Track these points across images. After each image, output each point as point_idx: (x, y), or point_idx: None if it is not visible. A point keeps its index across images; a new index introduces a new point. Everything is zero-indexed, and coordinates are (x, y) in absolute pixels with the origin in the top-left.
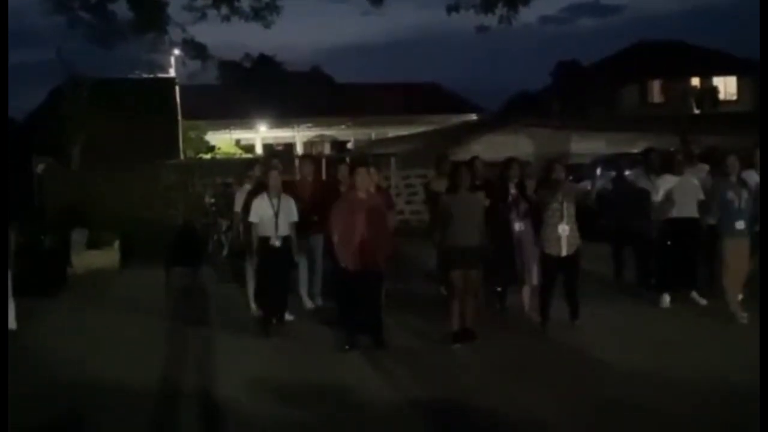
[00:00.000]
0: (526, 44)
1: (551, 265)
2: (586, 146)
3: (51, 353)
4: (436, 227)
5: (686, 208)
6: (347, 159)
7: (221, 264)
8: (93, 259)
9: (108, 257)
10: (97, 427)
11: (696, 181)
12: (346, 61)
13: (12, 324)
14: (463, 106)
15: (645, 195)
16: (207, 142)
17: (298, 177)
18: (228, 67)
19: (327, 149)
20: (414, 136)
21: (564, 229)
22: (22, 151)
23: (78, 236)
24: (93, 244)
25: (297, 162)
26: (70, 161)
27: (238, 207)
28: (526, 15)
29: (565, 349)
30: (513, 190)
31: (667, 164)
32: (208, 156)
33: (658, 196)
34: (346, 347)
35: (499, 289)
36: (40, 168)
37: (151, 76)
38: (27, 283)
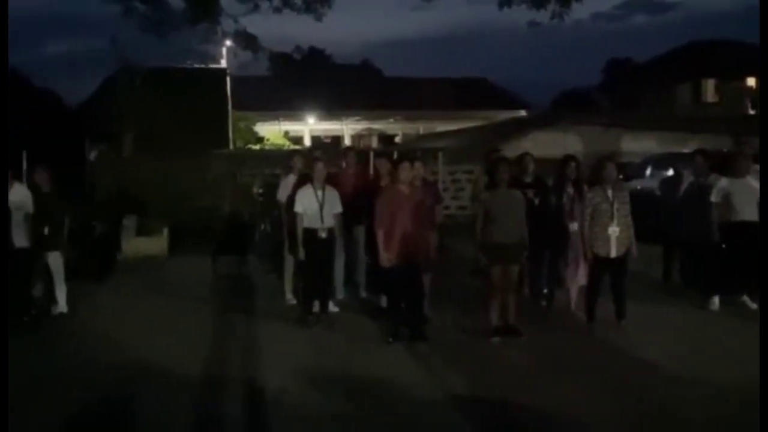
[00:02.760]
0: (577, 41)
1: (599, 265)
2: (636, 145)
3: (100, 336)
4: (476, 224)
5: (745, 212)
6: (393, 153)
7: (267, 254)
8: (142, 245)
9: (157, 244)
10: (143, 410)
11: (756, 184)
12: (395, 56)
13: (63, 308)
14: (512, 102)
15: (697, 196)
16: (256, 133)
17: (342, 169)
18: (279, 58)
19: (375, 143)
20: (462, 132)
21: (614, 230)
22: (76, 138)
23: (128, 223)
24: (143, 231)
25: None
26: (122, 149)
27: (282, 197)
28: (579, 11)
29: (609, 348)
30: (570, 189)
31: (721, 165)
32: (256, 147)
33: (715, 198)
34: (390, 339)
35: (546, 290)
36: (92, 155)
37: (203, 66)
38: (78, 268)
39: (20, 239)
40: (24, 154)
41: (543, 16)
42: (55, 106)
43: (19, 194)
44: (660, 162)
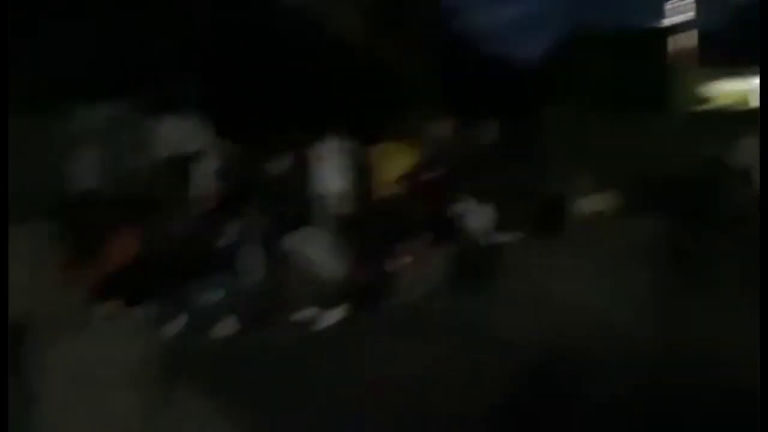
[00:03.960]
0: None
1: None
2: None
3: (551, 293)
4: None
5: None
6: None
7: None
8: (595, 204)
9: (609, 204)
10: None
11: None
12: None
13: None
14: None
15: None
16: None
17: None
18: None
19: None
20: None
21: None
22: (529, 97)
23: (580, 182)
24: (596, 190)
25: None
26: (578, 106)
27: None
28: None
29: None
30: None
31: None
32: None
33: None
34: None
35: None
36: (547, 117)
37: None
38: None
39: None
40: (488, 112)
41: None
42: (508, 68)
43: None
44: None
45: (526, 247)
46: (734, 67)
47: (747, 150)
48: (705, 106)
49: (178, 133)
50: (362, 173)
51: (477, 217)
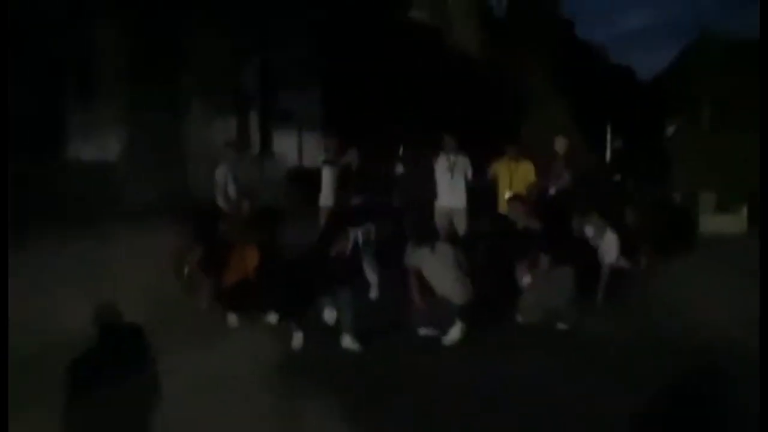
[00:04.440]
0: None
1: None
2: None
3: (670, 313)
4: None
5: None
6: None
7: None
8: (720, 222)
9: (735, 222)
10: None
11: None
12: None
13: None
14: None
15: None
16: None
17: None
18: None
19: None
20: None
21: None
22: (652, 111)
23: (705, 198)
24: (720, 208)
25: None
26: (700, 122)
27: None
28: None
29: None
30: None
31: None
32: None
33: None
34: None
35: None
36: (670, 129)
37: None
38: (656, 242)
39: None
40: (608, 127)
41: None
42: (629, 80)
43: None
44: None
45: (653, 265)
46: None
47: None
48: None
49: (300, 147)
50: (484, 189)
51: (602, 234)
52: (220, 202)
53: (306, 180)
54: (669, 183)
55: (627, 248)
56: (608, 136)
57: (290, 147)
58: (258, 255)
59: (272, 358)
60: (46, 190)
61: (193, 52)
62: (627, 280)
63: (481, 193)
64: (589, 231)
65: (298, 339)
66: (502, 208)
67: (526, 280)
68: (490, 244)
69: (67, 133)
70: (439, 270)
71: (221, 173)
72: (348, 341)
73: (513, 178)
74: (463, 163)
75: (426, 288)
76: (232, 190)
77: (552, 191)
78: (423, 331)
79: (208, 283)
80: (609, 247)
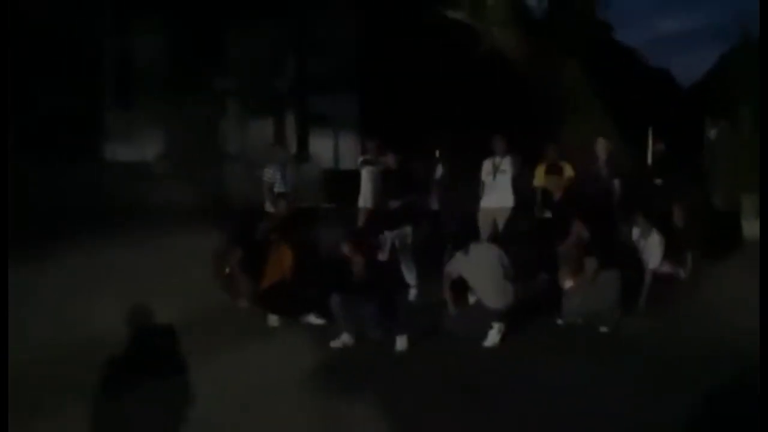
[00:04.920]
0: None
1: None
2: None
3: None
4: None
5: None
6: None
7: None
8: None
9: None
10: None
11: None
12: None
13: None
14: None
15: None
16: None
17: None
18: None
19: None
20: None
21: None
22: (693, 115)
23: (747, 202)
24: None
25: None
26: (741, 125)
27: None
28: None
29: None
30: None
31: None
32: None
33: None
34: None
35: None
36: (711, 133)
37: None
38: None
39: None
40: (649, 131)
41: None
42: (669, 83)
43: None
44: None
45: (697, 269)
46: None
47: None
48: None
49: (336, 149)
50: (526, 190)
51: (648, 236)
52: (268, 202)
53: (342, 182)
54: (711, 186)
55: (672, 251)
56: (649, 140)
57: (326, 149)
58: (293, 256)
59: (313, 358)
60: (83, 190)
61: (231, 55)
62: (671, 284)
63: (525, 193)
64: (636, 233)
65: (335, 339)
66: (546, 209)
67: (568, 283)
68: (534, 245)
69: (106, 134)
70: (479, 274)
71: (269, 174)
72: (387, 341)
73: (555, 180)
74: (507, 164)
75: (461, 294)
76: (280, 189)
77: (594, 194)
78: (464, 331)
79: (248, 283)
80: (654, 249)
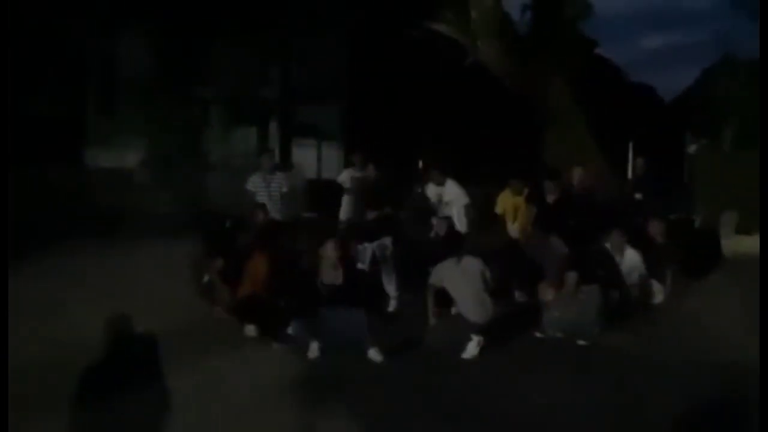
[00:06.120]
0: None
1: None
2: None
3: (696, 330)
4: None
5: None
6: None
7: None
8: (741, 244)
9: (757, 243)
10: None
11: None
12: None
13: (660, 298)
14: None
15: None
16: None
17: None
18: None
19: None
20: None
21: None
22: (674, 131)
23: (726, 219)
24: (742, 229)
25: None
26: (722, 142)
27: None
28: None
29: None
30: None
31: None
32: None
33: None
34: None
35: None
36: (692, 149)
37: None
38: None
39: None
40: (630, 146)
41: None
42: (651, 100)
43: None
44: None
45: (676, 284)
46: None
47: None
48: None
49: (319, 159)
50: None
51: (621, 252)
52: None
53: (325, 192)
54: (690, 202)
55: (651, 266)
56: (630, 155)
57: (309, 159)
58: (269, 266)
59: (289, 369)
60: (63, 195)
61: (215, 64)
62: (650, 298)
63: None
64: (612, 248)
65: (314, 350)
66: (525, 226)
67: (547, 296)
68: (511, 261)
69: (88, 140)
70: (461, 286)
71: (252, 183)
72: (373, 353)
73: (517, 211)
74: (450, 194)
75: (443, 305)
76: (262, 199)
77: (573, 211)
78: (442, 344)
79: (227, 293)
80: (631, 264)
